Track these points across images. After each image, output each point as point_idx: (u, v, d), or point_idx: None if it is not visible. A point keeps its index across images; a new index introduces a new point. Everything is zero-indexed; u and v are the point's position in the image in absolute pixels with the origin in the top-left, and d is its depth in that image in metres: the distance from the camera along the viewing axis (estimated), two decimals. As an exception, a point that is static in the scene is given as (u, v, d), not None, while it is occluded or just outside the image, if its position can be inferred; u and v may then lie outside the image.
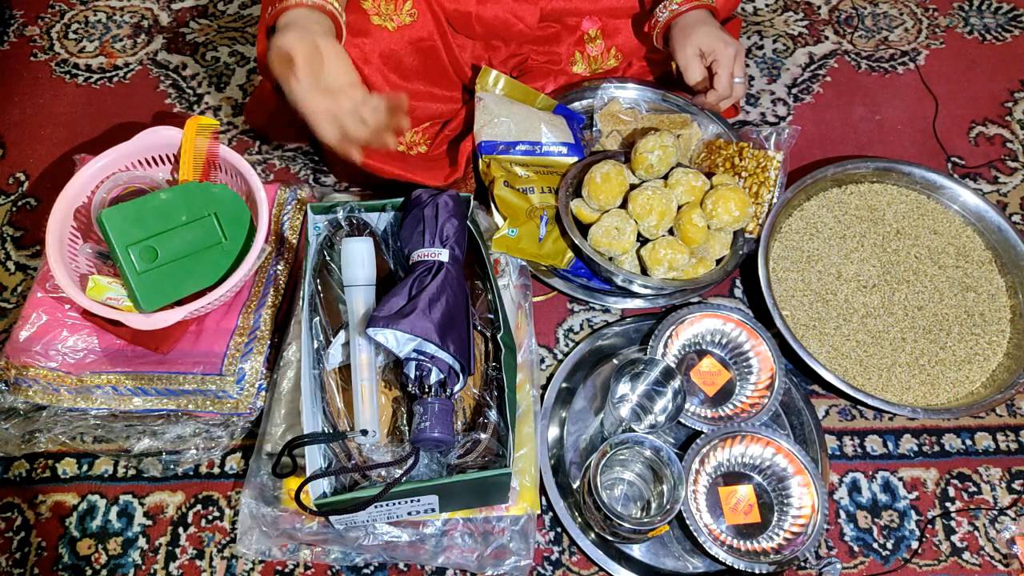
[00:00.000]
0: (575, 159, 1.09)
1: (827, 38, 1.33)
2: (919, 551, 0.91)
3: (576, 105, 1.17)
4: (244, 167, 0.96)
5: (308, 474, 0.78)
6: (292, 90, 0.82)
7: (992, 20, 1.36)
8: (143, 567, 0.90)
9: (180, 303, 0.91)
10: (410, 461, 0.79)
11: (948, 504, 0.94)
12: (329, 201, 0.97)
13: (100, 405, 0.92)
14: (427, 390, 0.81)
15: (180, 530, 0.92)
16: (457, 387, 0.84)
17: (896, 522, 0.93)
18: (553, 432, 0.96)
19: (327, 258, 0.90)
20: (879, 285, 1.05)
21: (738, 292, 1.08)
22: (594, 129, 1.15)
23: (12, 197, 1.16)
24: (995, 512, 0.94)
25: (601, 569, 0.89)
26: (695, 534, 0.85)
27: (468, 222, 0.91)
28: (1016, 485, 0.95)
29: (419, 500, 0.80)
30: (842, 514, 0.93)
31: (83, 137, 1.21)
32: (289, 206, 1.06)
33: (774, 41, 1.33)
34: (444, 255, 0.85)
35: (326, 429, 0.82)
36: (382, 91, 1.01)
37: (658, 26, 1.05)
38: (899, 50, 1.32)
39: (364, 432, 0.80)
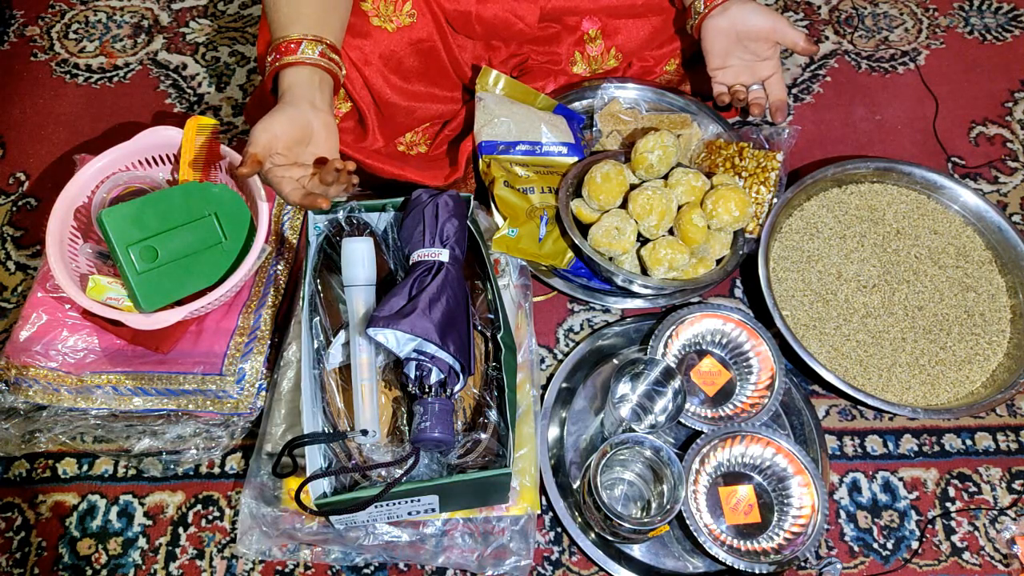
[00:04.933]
0: (575, 159, 1.09)
1: (827, 38, 1.33)
2: (919, 551, 0.91)
3: (576, 105, 1.17)
4: (244, 167, 0.96)
5: (308, 474, 0.78)
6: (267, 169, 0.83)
7: (992, 20, 1.36)
8: (143, 567, 0.90)
9: (180, 303, 0.91)
10: (410, 461, 0.79)
11: (948, 504, 0.94)
12: (329, 197, 0.97)
13: (100, 405, 0.92)
14: (427, 390, 0.81)
15: (180, 530, 0.92)
16: (457, 387, 0.84)
17: (896, 522, 0.93)
18: (553, 432, 0.96)
19: (327, 258, 0.91)
20: (879, 285, 1.05)
21: (738, 292, 1.08)
22: (594, 129, 1.15)
23: (12, 197, 1.16)
24: (995, 512, 0.94)
25: (601, 569, 0.89)
26: (695, 534, 0.85)
27: (468, 222, 0.91)
28: (1016, 485, 0.95)
29: (419, 500, 0.80)
30: (842, 514, 0.93)
31: (83, 137, 1.21)
32: (289, 206, 1.06)
33: (774, 41, 1.33)
34: (444, 255, 0.85)
35: (326, 429, 0.82)
36: (383, 92, 1.01)
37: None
38: (899, 50, 1.32)
39: (364, 432, 0.80)
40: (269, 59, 0.87)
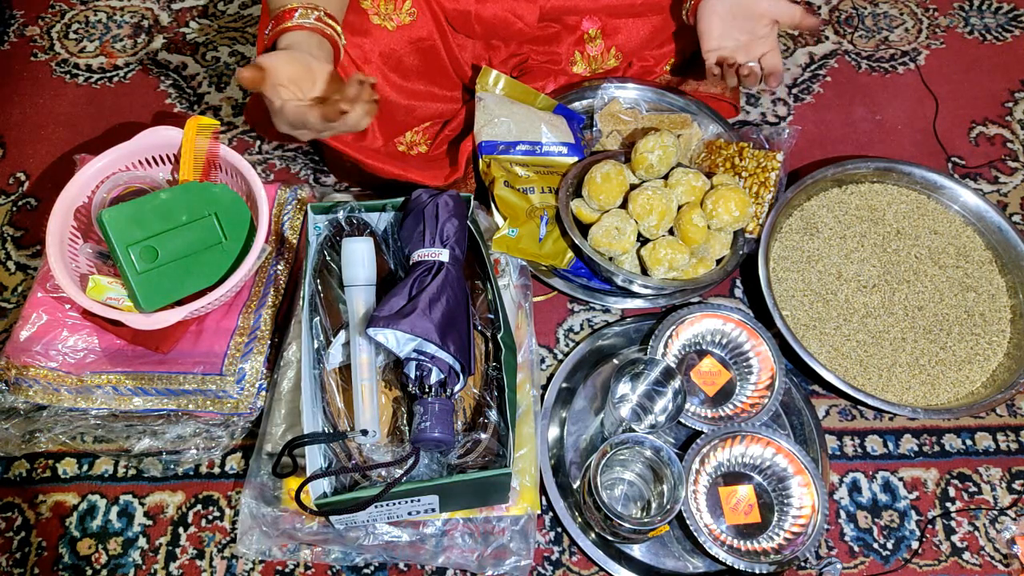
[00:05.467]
0: (575, 159, 1.09)
1: (827, 38, 1.34)
2: (919, 551, 0.91)
3: (576, 105, 1.17)
4: (244, 167, 0.96)
5: (308, 474, 0.78)
6: (272, 104, 0.82)
7: (992, 20, 1.36)
8: (143, 567, 0.90)
9: (180, 303, 0.91)
10: (410, 461, 0.79)
11: (948, 504, 0.94)
12: (329, 201, 0.97)
13: (100, 405, 0.92)
14: (427, 390, 0.81)
15: (180, 530, 0.92)
16: (457, 387, 0.84)
17: (896, 522, 0.93)
18: (553, 432, 0.96)
19: (327, 258, 0.90)
20: (879, 285, 1.05)
21: (738, 292, 1.08)
22: (594, 129, 1.15)
23: (12, 197, 1.16)
24: (995, 512, 0.94)
25: (601, 569, 0.89)
26: (695, 534, 0.85)
27: (468, 222, 0.91)
28: (1016, 485, 0.95)
29: (419, 500, 0.80)
30: (842, 514, 0.93)
31: (83, 137, 1.21)
32: (289, 206, 1.06)
33: (774, 41, 1.33)
34: (444, 255, 0.85)
35: (326, 429, 0.82)
36: (383, 91, 1.01)
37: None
38: (899, 50, 1.32)
39: (364, 432, 0.80)
40: (267, 31, 0.87)
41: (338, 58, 0.90)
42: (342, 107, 0.79)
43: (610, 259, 1.01)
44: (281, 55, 0.82)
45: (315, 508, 0.77)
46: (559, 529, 0.92)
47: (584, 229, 1.03)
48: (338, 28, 0.89)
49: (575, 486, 0.92)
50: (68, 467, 0.95)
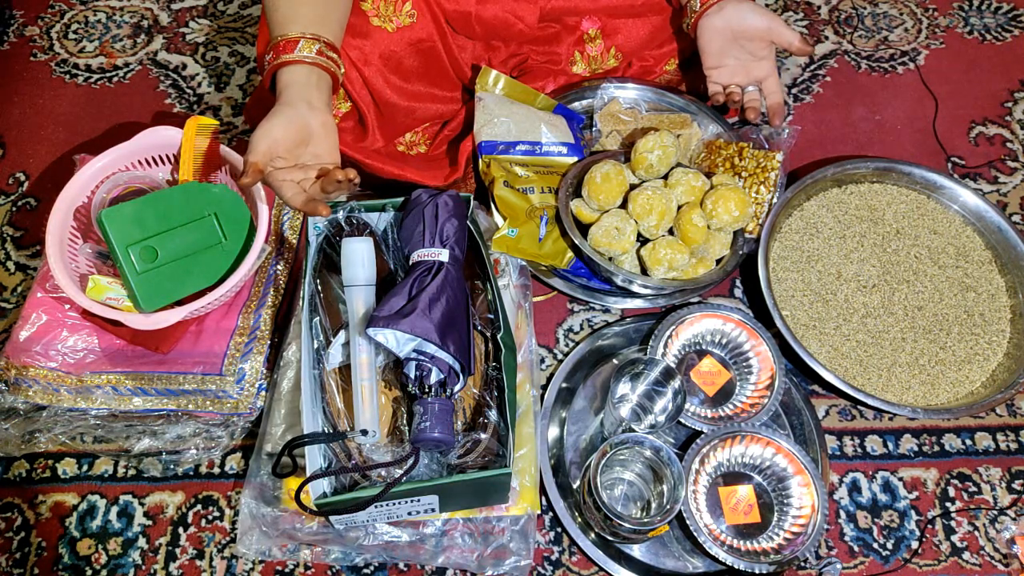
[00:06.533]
0: (575, 159, 1.09)
1: (827, 38, 1.34)
2: (919, 551, 0.91)
3: (576, 105, 1.17)
4: (244, 167, 0.96)
5: (308, 474, 0.78)
6: (284, 196, 0.84)
7: (992, 20, 1.36)
8: (143, 567, 0.90)
9: (180, 303, 0.91)
10: (410, 461, 0.79)
11: (948, 504, 0.94)
12: (329, 201, 0.97)
13: (100, 405, 0.92)
14: (427, 390, 0.81)
15: (180, 530, 0.92)
16: (457, 387, 0.84)
17: (896, 522, 0.93)
18: (553, 432, 0.96)
19: (327, 258, 0.91)
20: (879, 285, 1.05)
21: (738, 292, 1.08)
22: (594, 129, 1.15)
23: (12, 197, 1.16)
24: (995, 512, 0.94)
25: (601, 569, 0.89)
26: (695, 534, 0.85)
27: (468, 222, 0.91)
28: (1016, 485, 0.95)
29: (419, 500, 0.80)
30: (842, 514, 0.93)
31: (83, 137, 1.21)
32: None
33: (774, 41, 1.33)
34: (444, 255, 0.85)
35: (326, 429, 0.82)
36: (383, 93, 1.01)
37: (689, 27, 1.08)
38: (899, 50, 1.32)
39: (364, 432, 0.80)
40: (267, 58, 0.87)
41: (337, 89, 0.91)
42: (337, 177, 0.81)
43: (610, 259, 1.01)
44: (274, 128, 0.82)
45: (315, 508, 0.77)
46: (559, 529, 0.92)
47: (584, 229, 1.03)
48: (337, 59, 0.89)
49: (575, 486, 0.92)
50: (68, 467, 0.95)
